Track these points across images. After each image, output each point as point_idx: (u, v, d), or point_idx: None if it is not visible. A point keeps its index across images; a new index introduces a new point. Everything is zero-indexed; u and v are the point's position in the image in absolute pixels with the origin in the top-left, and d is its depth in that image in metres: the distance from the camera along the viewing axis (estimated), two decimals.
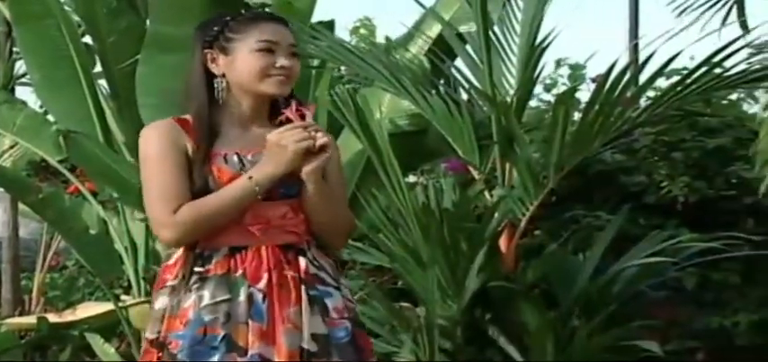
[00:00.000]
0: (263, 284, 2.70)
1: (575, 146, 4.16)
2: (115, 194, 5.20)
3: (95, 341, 5.45)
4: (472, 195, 4.52)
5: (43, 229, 6.66)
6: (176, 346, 2.67)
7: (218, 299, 2.68)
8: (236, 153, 2.74)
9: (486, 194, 4.43)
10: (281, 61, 2.74)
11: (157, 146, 2.74)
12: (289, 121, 2.73)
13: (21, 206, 6.38)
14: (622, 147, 5.15)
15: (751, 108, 5.81)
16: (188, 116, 2.78)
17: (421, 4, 4.87)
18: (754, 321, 4.98)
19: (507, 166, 4.35)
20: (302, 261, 2.76)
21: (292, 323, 2.70)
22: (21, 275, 6.71)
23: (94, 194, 5.53)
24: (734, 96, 5.67)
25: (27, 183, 5.88)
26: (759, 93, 5.42)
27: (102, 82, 5.49)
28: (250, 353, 2.65)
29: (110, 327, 5.58)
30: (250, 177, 2.69)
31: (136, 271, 5.39)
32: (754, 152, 3.63)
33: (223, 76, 2.76)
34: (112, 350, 5.46)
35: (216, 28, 2.77)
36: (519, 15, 4.62)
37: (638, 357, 4.29)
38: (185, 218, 2.69)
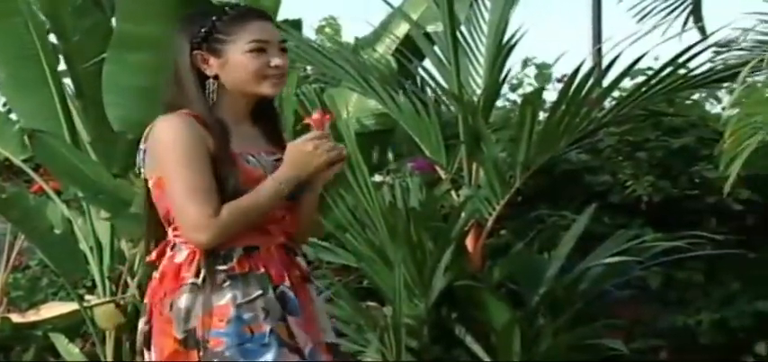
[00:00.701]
0: (286, 281, 2.68)
1: (541, 146, 4.18)
2: (80, 194, 5.15)
3: (59, 341, 5.42)
4: (439, 195, 4.54)
5: (6, 229, 6.59)
6: (219, 344, 2.59)
7: (253, 296, 2.63)
8: (250, 153, 2.69)
9: (453, 193, 4.45)
10: (275, 60, 2.68)
11: (183, 140, 2.60)
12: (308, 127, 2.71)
13: None
14: (587, 147, 5.18)
15: (714, 108, 5.88)
16: (189, 111, 2.68)
17: (389, 4, 4.88)
18: (716, 319, 5.02)
19: (474, 165, 4.37)
20: (301, 260, 2.76)
21: (318, 319, 2.73)
22: None
23: (58, 193, 5.48)
24: (697, 96, 5.72)
25: None
26: (722, 92, 5.48)
27: (68, 81, 5.44)
28: (307, 349, 2.63)
29: (74, 327, 5.54)
30: (280, 183, 2.63)
31: (101, 271, 5.35)
32: (718, 152, 3.66)
33: (216, 77, 2.70)
34: (77, 350, 5.43)
35: (203, 29, 2.69)
36: (486, 16, 4.65)
37: (604, 356, 4.32)
38: (226, 221, 2.59)
